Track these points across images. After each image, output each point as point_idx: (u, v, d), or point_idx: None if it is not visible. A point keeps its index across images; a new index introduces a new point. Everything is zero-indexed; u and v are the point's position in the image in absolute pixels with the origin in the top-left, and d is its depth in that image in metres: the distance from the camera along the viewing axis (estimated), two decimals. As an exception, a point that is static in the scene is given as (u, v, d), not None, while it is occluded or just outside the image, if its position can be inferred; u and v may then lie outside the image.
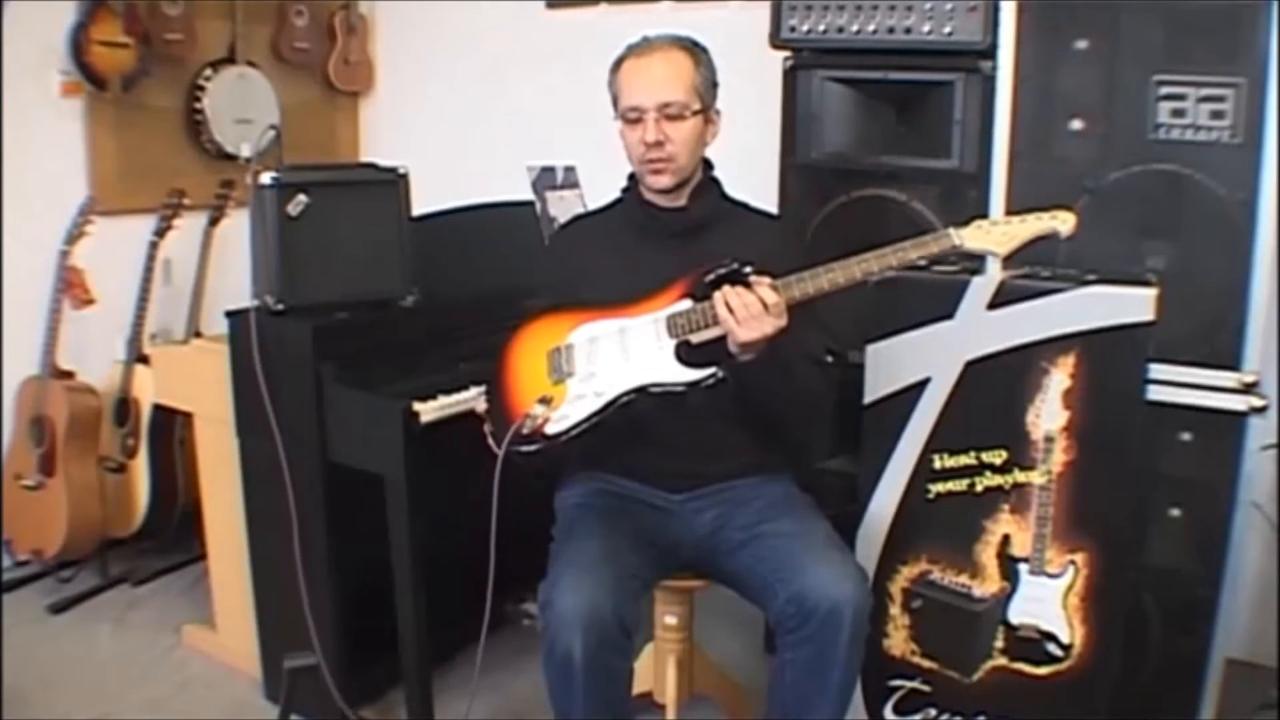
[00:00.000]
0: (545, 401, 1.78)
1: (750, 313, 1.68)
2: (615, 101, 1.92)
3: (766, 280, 1.71)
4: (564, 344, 1.85)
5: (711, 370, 1.74)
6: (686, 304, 1.78)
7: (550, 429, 1.77)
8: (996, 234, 1.68)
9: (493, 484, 1.85)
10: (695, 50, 1.90)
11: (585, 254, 1.98)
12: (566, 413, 1.78)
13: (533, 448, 1.76)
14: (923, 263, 1.75)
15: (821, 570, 1.71)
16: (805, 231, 2.38)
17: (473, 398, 2.14)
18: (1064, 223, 1.68)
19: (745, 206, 2.03)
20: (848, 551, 1.84)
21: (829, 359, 1.96)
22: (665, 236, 1.93)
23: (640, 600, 1.77)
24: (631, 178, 2.01)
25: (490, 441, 1.84)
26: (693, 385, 1.75)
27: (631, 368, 1.79)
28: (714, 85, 1.92)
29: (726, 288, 1.71)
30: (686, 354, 1.77)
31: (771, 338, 1.70)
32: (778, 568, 1.76)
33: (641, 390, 1.77)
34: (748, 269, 1.74)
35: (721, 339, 1.73)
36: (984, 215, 2.12)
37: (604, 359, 1.82)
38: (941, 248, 1.70)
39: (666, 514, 1.92)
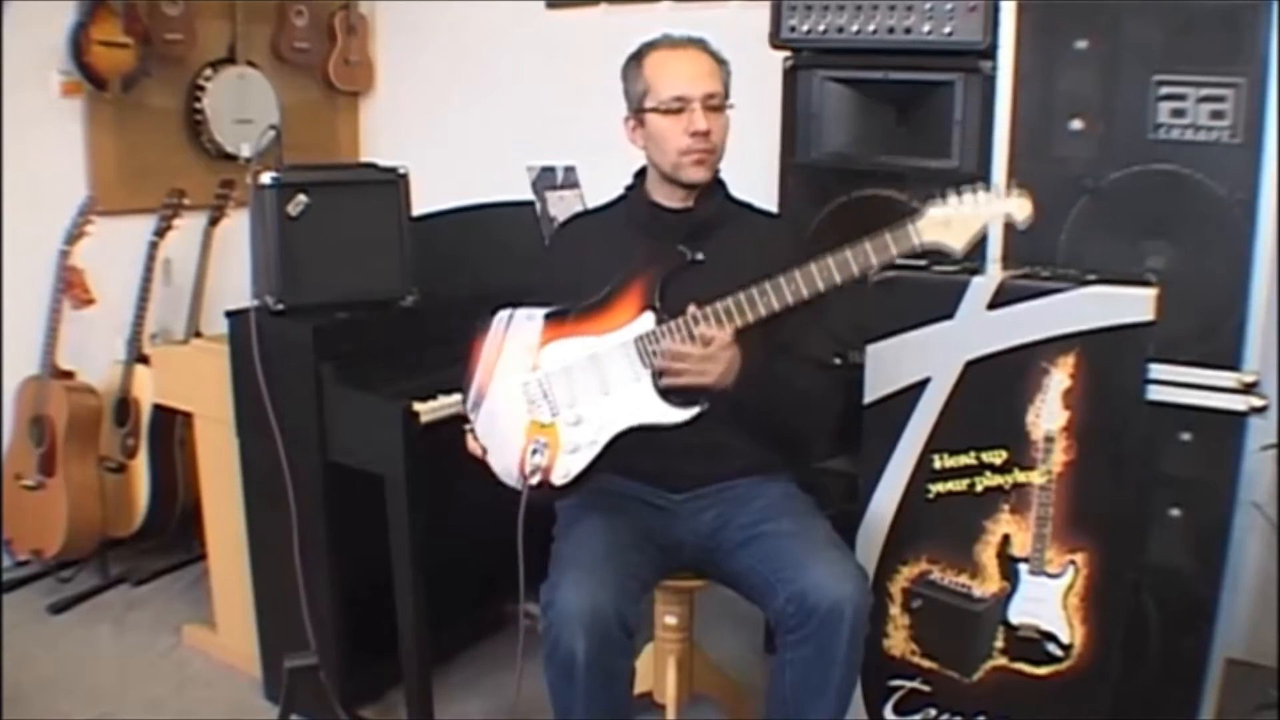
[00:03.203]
0: (544, 445, 1.76)
1: (705, 357, 1.71)
2: (643, 94, 1.88)
3: (711, 310, 1.71)
4: (536, 374, 1.80)
5: (696, 411, 1.74)
6: (650, 321, 1.76)
7: (556, 480, 1.77)
8: (955, 226, 1.68)
9: (493, 485, 1.86)
10: (717, 52, 1.92)
11: (588, 253, 1.97)
12: (568, 466, 1.77)
13: (545, 493, 1.77)
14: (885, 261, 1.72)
15: (822, 570, 1.72)
16: (805, 231, 2.37)
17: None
18: (1019, 209, 1.68)
19: (749, 207, 2.03)
20: (848, 551, 1.84)
21: (836, 361, 1.96)
22: (670, 239, 1.91)
23: (641, 600, 1.77)
24: (639, 175, 1.99)
25: (496, 473, 1.83)
26: (681, 425, 1.75)
27: (615, 405, 1.77)
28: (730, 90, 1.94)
29: (668, 344, 1.72)
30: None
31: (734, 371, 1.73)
32: (778, 567, 1.76)
33: (633, 429, 1.77)
34: (699, 257, 1.75)
35: None
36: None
37: (585, 396, 1.78)
38: (901, 249, 1.70)
39: (667, 514, 1.92)
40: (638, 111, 1.90)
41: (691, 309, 1.74)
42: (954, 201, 1.69)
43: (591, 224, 2.06)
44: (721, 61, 1.91)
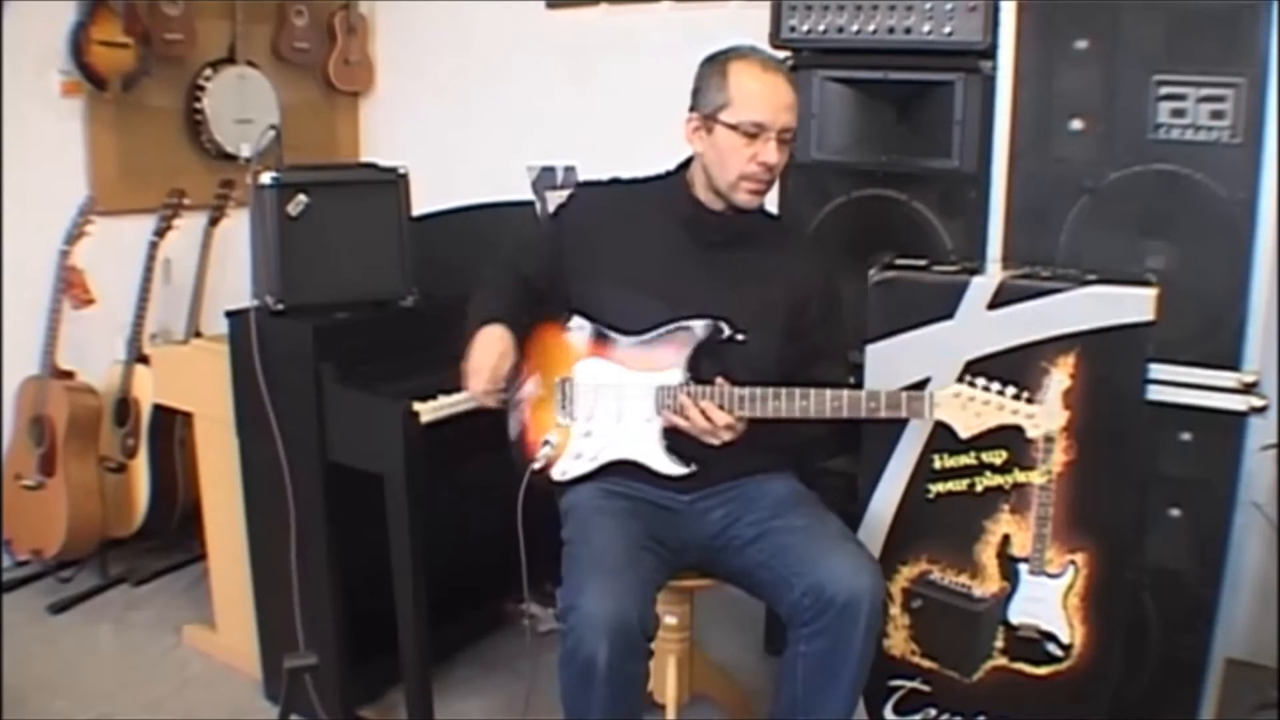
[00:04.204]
0: (549, 444, 1.92)
1: (708, 429, 1.80)
2: (721, 106, 1.84)
3: (725, 389, 1.80)
4: (570, 379, 1.93)
5: (687, 470, 1.87)
6: (676, 376, 1.85)
7: (555, 475, 1.93)
8: (969, 413, 1.76)
9: (491, 485, 1.87)
10: (795, 80, 1.91)
11: (615, 223, 1.96)
12: (566, 468, 1.93)
13: (544, 481, 1.93)
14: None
15: (838, 561, 1.74)
16: (807, 229, 2.38)
17: (472, 397, 2.14)
18: (1035, 425, 1.75)
19: (779, 220, 2.08)
20: (861, 543, 1.86)
21: (850, 380, 2.00)
22: (706, 241, 1.93)
23: (656, 603, 1.77)
24: (684, 165, 1.97)
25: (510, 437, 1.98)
26: (669, 476, 1.88)
27: (623, 434, 1.91)
28: None
29: (684, 400, 1.81)
30: (671, 438, 1.87)
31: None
32: (792, 561, 1.77)
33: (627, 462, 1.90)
34: (740, 337, 1.85)
35: None
36: (983, 216, 2.17)
37: (601, 416, 1.92)
38: (911, 412, 1.80)
39: (675, 515, 1.92)
40: (708, 118, 1.86)
41: (719, 381, 1.82)
42: (981, 388, 1.75)
43: (624, 196, 2.01)
44: (797, 91, 1.90)
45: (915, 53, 2.23)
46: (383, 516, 2.11)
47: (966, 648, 1.99)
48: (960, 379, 1.78)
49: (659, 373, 1.87)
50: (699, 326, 1.86)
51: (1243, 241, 1.93)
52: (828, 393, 1.78)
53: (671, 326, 1.87)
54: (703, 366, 1.86)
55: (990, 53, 2.14)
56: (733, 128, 1.83)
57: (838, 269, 2.10)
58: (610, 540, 1.78)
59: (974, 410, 1.75)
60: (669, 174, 1.99)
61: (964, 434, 1.77)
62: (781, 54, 2.35)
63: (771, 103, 1.83)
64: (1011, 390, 1.75)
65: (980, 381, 1.76)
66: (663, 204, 1.96)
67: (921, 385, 1.94)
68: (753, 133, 1.82)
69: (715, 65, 1.88)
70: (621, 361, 1.91)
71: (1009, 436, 1.87)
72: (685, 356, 1.86)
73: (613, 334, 1.92)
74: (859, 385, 1.99)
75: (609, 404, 1.91)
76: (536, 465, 1.90)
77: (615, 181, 2.06)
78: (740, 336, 1.85)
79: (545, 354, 1.97)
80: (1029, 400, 1.75)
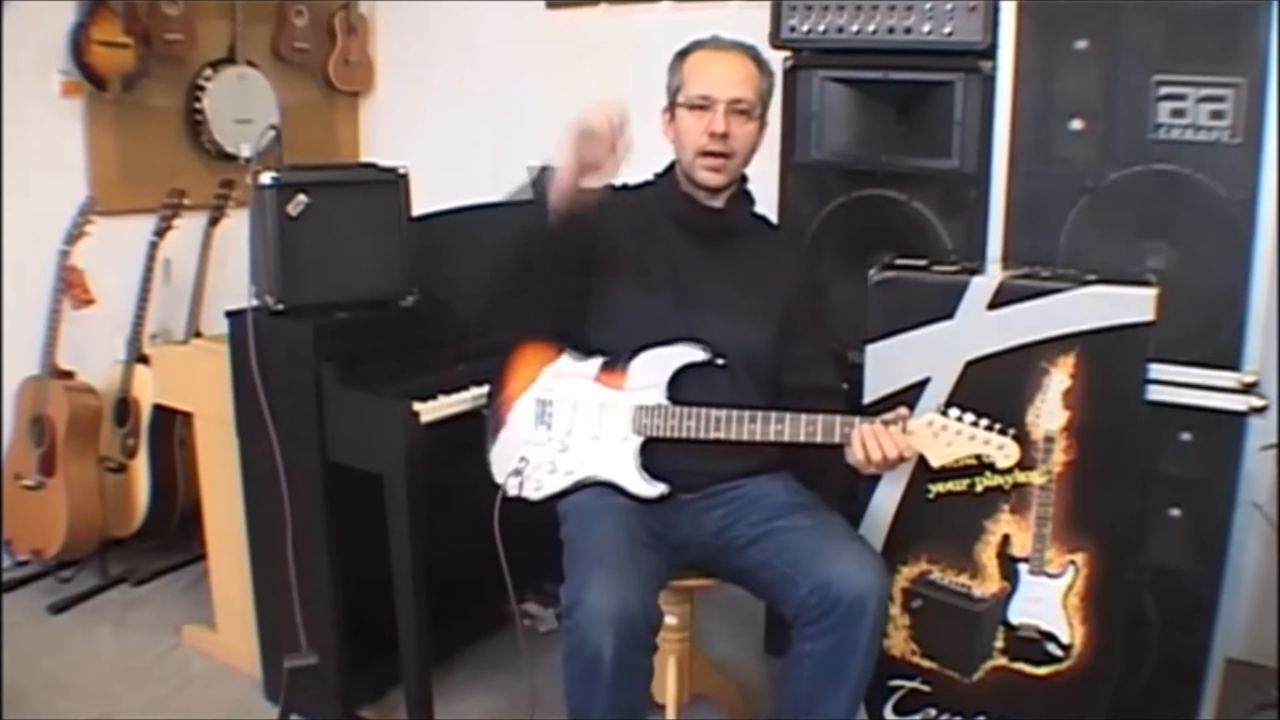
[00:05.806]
0: (527, 461, 1.92)
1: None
2: (677, 90, 1.93)
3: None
4: (549, 395, 1.95)
5: (659, 492, 1.87)
6: (653, 397, 1.87)
7: (527, 492, 1.92)
8: (940, 442, 1.76)
9: (491, 484, 1.86)
10: (762, 61, 1.95)
11: (620, 224, 1.98)
12: (541, 482, 1.92)
13: (520, 502, 1.92)
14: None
15: (845, 560, 1.74)
16: (806, 231, 2.38)
17: (472, 398, 2.15)
18: (1006, 457, 1.76)
19: (767, 221, 2.10)
20: (867, 541, 1.86)
21: (844, 386, 2.02)
22: (701, 235, 1.97)
23: (659, 597, 1.77)
24: (670, 167, 2.01)
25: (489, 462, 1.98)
26: (642, 498, 1.87)
27: (599, 453, 1.90)
28: (769, 101, 1.97)
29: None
30: (646, 458, 1.88)
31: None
32: (798, 560, 1.78)
33: (601, 482, 1.89)
34: (719, 360, 1.86)
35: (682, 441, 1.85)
36: (983, 216, 2.17)
37: (579, 432, 1.92)
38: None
39: (675, 513, 1.92)
40: (670, 105, 1.94)
41: (722, 362, 1.87)
42: (954, 418, 1.76)
43: (620, 199, 2.02)
44: (763, 70, 1.93)
45: (915, 53, 2.23)
46: (383, 516, 2.11)
47: (966, 648, 1.99)
48: (943, 411, 1.79)
49: (637, 392, 1.89)
50: (680, 350, 1.88)
51: (1243, 241, 1.93)
52: (803, 417, 1.80)
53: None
54: (682, 387, 1.88)
55: (990, 53, 2.14)
56: (685, 105, 1.90)
57: (824, 272, 2.12)
58: (612, 536, 1.78)
59: (945, 440, 1.76)
60: (659, 176, 2.03)
61: (935, 463, 1.79)
62: (781, 54, 2.37)
63: (718, 75, 1.89)
64: (985, 421, 1.76)
65: (954, 412, 1.77)
66: (656, 204, 2.00)
67: (921, 385, 1.94)
68: (701, 105, 1.88)
69: (676, 57, 1.96)
70: (601, 380, 1.93)
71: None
72: (665, 378, 1.88)
73: (598, 355, 1.94)
74: (857, 388, 1.99)
75: (588, 421, 1.92)
76: (511, 487, 1.90)
77: (609, 187, 2.06)
78: (720, 361, 1.87)
79: (528, 368, 1.98)
80: (1001, 431, 1.76)
